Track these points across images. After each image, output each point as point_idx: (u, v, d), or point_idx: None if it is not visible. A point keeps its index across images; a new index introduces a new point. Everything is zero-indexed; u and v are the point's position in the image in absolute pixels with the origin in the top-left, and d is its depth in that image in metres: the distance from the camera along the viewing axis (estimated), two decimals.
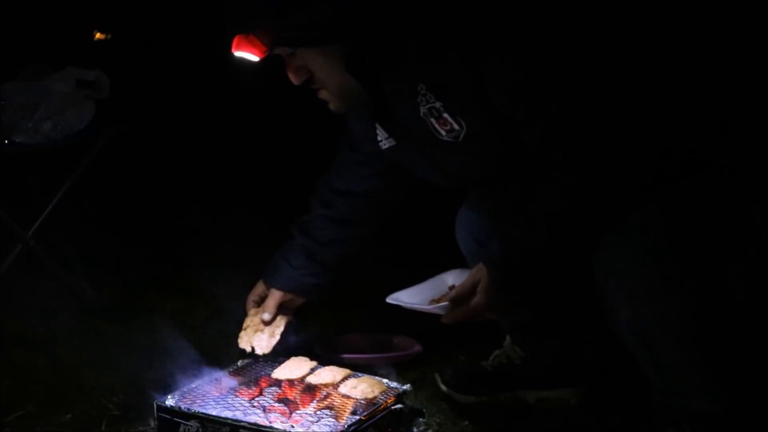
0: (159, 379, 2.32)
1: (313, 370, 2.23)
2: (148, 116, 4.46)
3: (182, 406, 2.05)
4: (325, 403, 2.08)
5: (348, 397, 2.10)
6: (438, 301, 1.95)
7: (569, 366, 2.28)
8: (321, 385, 2.16)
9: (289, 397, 2.12)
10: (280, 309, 2.29)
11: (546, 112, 1.79)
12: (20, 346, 2.66)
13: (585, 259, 1.83)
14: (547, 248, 1.82)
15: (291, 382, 2.19)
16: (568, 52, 1.82)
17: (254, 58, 1.89)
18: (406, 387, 2.16)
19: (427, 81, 1.87)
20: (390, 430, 2.08)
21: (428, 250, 3.29)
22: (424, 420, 2.18)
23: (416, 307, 1.96)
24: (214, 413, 2.02)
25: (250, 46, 1.87)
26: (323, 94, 1.97)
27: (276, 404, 2.08)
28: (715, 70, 1.96)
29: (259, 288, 2.34)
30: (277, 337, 2.25)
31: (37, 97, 2.92)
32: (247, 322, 2.28)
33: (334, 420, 2.00)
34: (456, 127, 1.89)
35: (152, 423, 2.09)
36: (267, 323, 2.27)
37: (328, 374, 2.19)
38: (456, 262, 2.29)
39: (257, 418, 2.01)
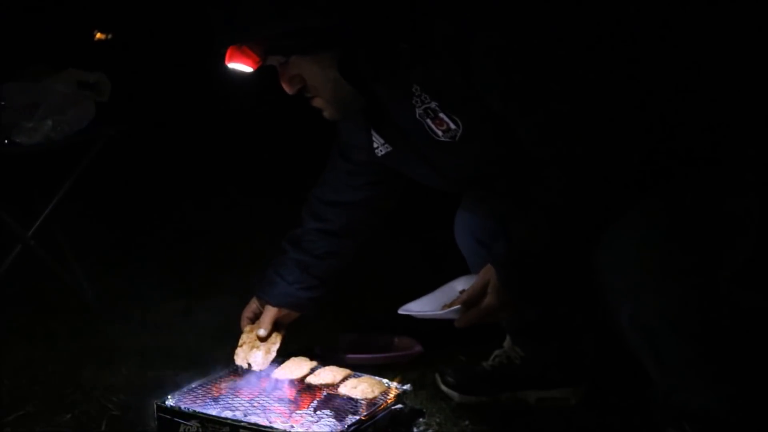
0: (159, 378, 2.33)
1: (313, 370, 2.23)
2: (147, 117, 4.47)
3: (182, 406, 2.05)
4: (325, 403, 2.08)
5: (348, 397, 2.10)
6: (449, 306, 1.94)
7: (569, 366, 2.28)
8: (321, 385, 2.16)
9: (289, 397, 2.12)
10: (276, 325, 2.27)
11: (539, 108, 1.79)
12: (20, 345, 2.66)
13: (588, 254, 1.83)
14: (551, 245, 1.82)
15: (291, 382, 2.19)
16: (559, 48, 1.81)
17: (248, 69, 1.87)
18: (406, 387, 2.17)
19: (421, 82, 1.86)
20: (390, 430, 2.09)
21: (428, 250, 3.31)
22: (424, 420, 2.18)
23: (429, 314, 1.95)
24: (214, 413, 2.02)
25: (243, 57, 1.85)
26: (317, 102, 1.95)
27: (276, 404, 2.08)
28: (706, 65, 1.96)
29: (254, 304, 2.31)
30: (273, 354, 2.24)
31: (38, 98, 2.92)
32: (243, 338, 2.27)
33: (334, 420, 2.00)
34: (452, 126, 1.89)
35: (152, 423, 2.09)
36: (263, 339, 2.26)
37: (328, 374, 2.20)
38: (456, 262, 2.29)
39: (257, 418, 2.01)
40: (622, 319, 1.82)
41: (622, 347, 1.88)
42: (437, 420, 2.19)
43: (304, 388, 2.16)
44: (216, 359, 2.29)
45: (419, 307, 1.98)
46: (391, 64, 1.87)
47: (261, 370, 2.22)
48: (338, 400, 2.10)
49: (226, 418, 2.00)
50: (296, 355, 2.30)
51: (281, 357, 2.27)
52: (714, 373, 1.79)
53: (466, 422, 2.17)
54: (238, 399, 2.10)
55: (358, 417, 2.01)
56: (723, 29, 1.99)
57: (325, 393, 2.13)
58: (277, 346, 2.26)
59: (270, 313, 2.27)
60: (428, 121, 1.90)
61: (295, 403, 2.09)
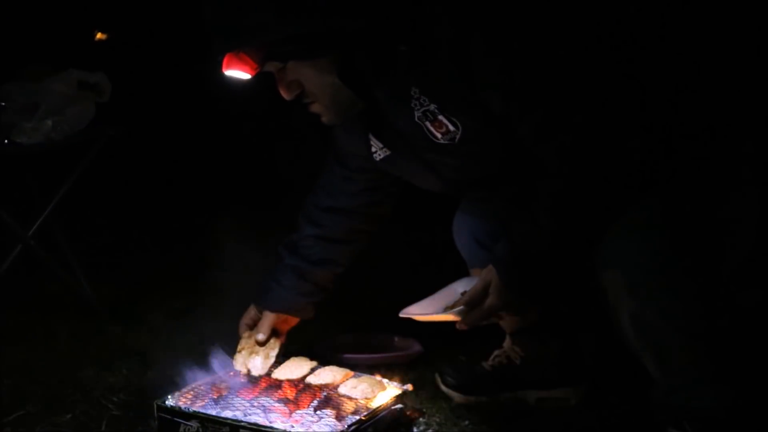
0: (159, 378, 2.33)
1: (313, 370, 2.23)
2: (148, 117, 4.47)
3: (182, 406, 2.05)
4: (325, 403, 2.08)
5: (348, 397, 2.10)
6: (451, 308, 1.94)
7: (569, 366, 2.28)
8: (321, 385, 2.16)
9: (289, 397, 2.12)
10: (274, 331, 2.27)
11: (539, 108, 1.79)
12: (20, 345, 2.66)
13: (588, 254, 1.83)
14: (553, 244, 1.82)
15: (291, 382, 2.19)
16: (558, 48, 1.81)
17: (245, 75, 1.86)
18: (406, 387, 2.17)
19: (420, 84, 1.86)
20: (390, 430, 2.09)
21: (427, 249, 3.31)
22: (424, 420, 2.18)
23: (430, 316, 1.95)
24: (214, 413, 2.03)
25: (241, 63, 1.83)
26: (316, 108, 1.94)
27: (276, 404, 2.08)
28: (704, 64, 1.96)
29: (252, 311, 2.31)
30: (272, 359, 2.24)
31: (38, 98, 2.92)
32: (242, 344, 2.27)
33: (334, 420, 2.00)
34: (451, 128, 1.88)
35: (152, 423, 2.09)
36: (262, 344, 2.26)
37: (328, 374, 2.20)
38: (455, 262, 2.29)
39: (257, 418, 2.01)
40: (623, 318, 1.82)
41: (622, 347, 1.88)
42: (437, 420, 2.19)
43: (304, 388, 2.16)
44: (216, 359, 2.28)
45: (420, 310, 1.98)
46: (389, 67, 1.86)
47: (260, 375, 2.23)
48: (338, 400, 2.10)
49: (226, 418, 2.00)
50: (296, 355, 2.30)
51: (281, 357, 2.27)
52: (714, 372, 1.79)
53: (466, 422, 2.17)
54: (238, 399, 2.10)
55: (358, 417, 2.01)
56: (721, 28, 1.99)
57: (325, 393, 2.13)
58: (276, 351, 2.26)
59: (268, 319, 2.27)
60: (427, 123, 1.90)
61: (295, 403, 2.09)
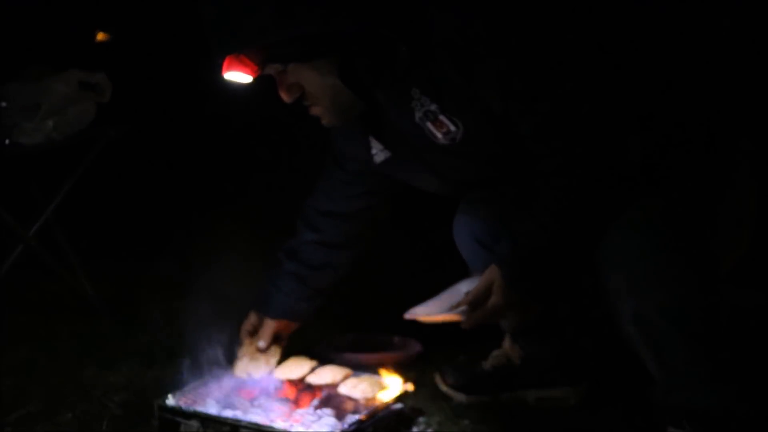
0: (160, 378, 2.33)
1: (313, 370, 2.24)
2: (149, 117, 4.47)
3: (183, 406, 2.06)
4: (325, 402, 2.09)
5: (348, 396, 2.11)
6: (455, 308, 1.94)
7: (569, 365, 2.29)
8: (321, 384, 2.16)
9: (290, 397, 2.13)
10: (275, 337, 2.28)
11: (539, 107, 1.79)
12: (21, 345, 2.67)
13: (589, 253, 1.83)
14: (555, 243, 1.83)
15: (291, 382, 2.19)
16: (558, 48, 1.81)
17: (246, 78, 1.85)
18: (406, 387, 2.17)
19: (421, 85, 1.86)
20: (390, 430, 2.09)
21: (427, 250, 3.30)
22: (424, 420, 2.18)
23: (435, 317, 1.95)
24: (214, 412, 2.03)
25: (241, 66, 1.83)
26: (316, 110, 1.93)
27: (276, 403, 2.08)
28: (703, 63, 1.96)
29: (252, 318, 2.30)
30: (273, 366, 2.25)
31: (39, 98, 2.92)
32: (243, 351, 2.27)
33: (334, 419, 2.00)
34: (452, 128, 1.88)
35: (153, 422, 2.10)
36: (263, 351, 2.26)
37: (328, 374, 2.20)
38: (457, 262, 2.29)
39: (258, 417, 2.01)
40: (624, 317, 1.82)
41: (622, 346, 1.89)
42: (437, 420, 2.19)
43: (304, 387, 2.17)
44: (217, 358, 2.29)
45: (425, 311, 1.98)
46: (390, 68, 1.86)
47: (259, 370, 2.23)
48: (338, 400, 2.10)
49: (227, 418, 2.01)
50: (296, 355, 2.30)
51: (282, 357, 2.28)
52: (714, 371, 1.80)
53: (466, 422, 2.18)
54: (238, 398, 2.11)
55: (358, 416, 2.01)
56: (720, 28, 1.99)
57: (325, 392, 2.13)
58: (277, 358, 2.27)
59: (269, 325, 2.27)
60: (428, 124, 1.90)
61: (296, 403, 2.09)
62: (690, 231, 1.80)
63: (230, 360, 2.27)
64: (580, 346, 2.31)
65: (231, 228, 3.71)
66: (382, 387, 2.14)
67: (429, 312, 1.97)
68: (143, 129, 3.74)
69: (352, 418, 2.00)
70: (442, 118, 1.88)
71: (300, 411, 2.05)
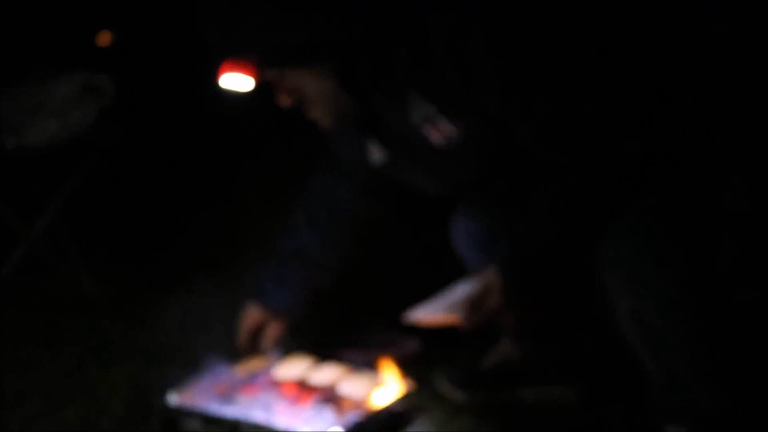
0: (162, 376, 2.34)
1: (313, 368, 2.24)
2: (151, 117, 4.48)
3: (184, 404, 2.06)
4: (325, 401, 2.09)
5: (348, 395, 2.12)
6: (454, 309, 1.95)
7: (569, 364, 2.29)
8: (321, 383, 2.17)
9: (290, 396, 2.14)
10: (274, 335, 2.28)
11: (538, 108, 1.80)
12: (24, 343, 2.67)
13: (589, 253, 1.84)
14: (554, 244, 1.83)
15: (291, 380, 2.20)
16: (557, 48, 1.82)
17: (245, 82, 1.85)
18: (406, 386, 2.17)
19: (419, 86, 1.86)
20: (390, 429, 2.10)
21: (426, 251, 3.30)
22: (424, 419, 2.18)
23: (434, 319, 1.96)
24: (215, 411, 2.04)
25: (239, 71, 1.83)
26: (314, 114, 1.94)
27: (276, 402, 2.09)
28: (703, 63, 1.97)
29: (250, 315, 2.29)
30: (274, 364, 2.26)
31: (42, 99, 2.93)
32: (243, 349, 2.29)
33: (334, 418, 2.01)
34: (451, 130, 1.89)
35: (155, 420, 2.11)
36: (265, 352, 2.27)
37: (328, 372, 2.21)
38: (455, 262, 2.30)
39: (258, 415, 2.02)
40: (622, 316, 1.83)
41: (621, 346, 1.89)
42: (437, 418, 2.19)
43: (304, 386, 2.18)
44: (218, 357, 2.30)
45: (423, 313, 1.99)
46: (388, 70, 1.87)
47: (261, 370, 2.24)
48: (338, 399, 2.11)
49: (228, 416, 2.02)
50: (296, 353, 2.31)
51: (281, 355, 2.29)
52: (713, 371, 1.80)
53: (466, 421, 2.18)
54: (239, 397, 2.12)
55: (358, 415, 2.02)
56: (719, 27, 2.00)
57: (324, 391, 2.14)
58: (277, 356, 2.29)
59: (268, 323, 2.27)
60: (426, 125, 1.91)
61: (295, 402, 2.10)
62: (689, 231, 1.81)
63: (231, 358, 2.28)
64: (579, 345, 2.32)
65: (231, 228, 3.73)
66: (381, 385, 2.15)
67: (427, 314, 1.98)
68: (145, 130, 3.76)
69: (351, 417, 2.01)
70: (440, 119, 1.89)
71: (300, 409, 2.06)
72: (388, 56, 1.85)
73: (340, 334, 2.70)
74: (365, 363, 2.36)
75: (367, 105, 1.93)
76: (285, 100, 1.91)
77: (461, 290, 1.98)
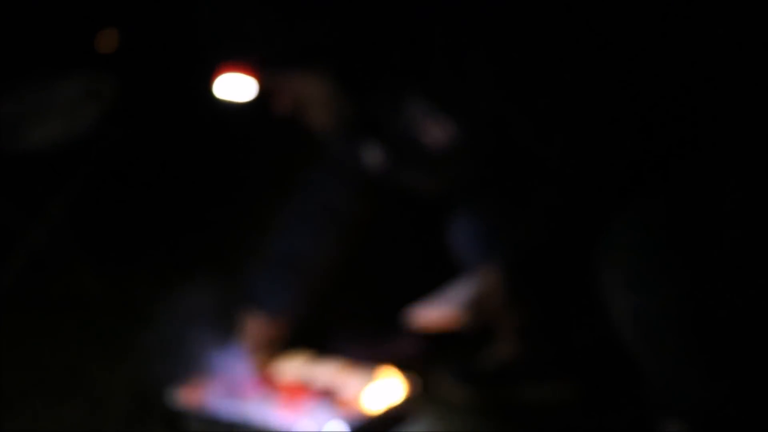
0: (163, 376, 2.34)
1: (312, 368, 2.24)
2: (153, 118, 4.48)
3: (184, 404, 2.06)
4: (325, 402, 2.09)
5: (348, 395, 2.12)
6: (452, 309, 1.95)
7: (568, 364, 2.29)
8: (321, 383, 2.17)
9: (289, 396, 2.14)
10: (271, 336, 2.28)
11: (537, 108, 1.80)
12: (25, 343, 2.68)
13: (587, 252, 1.84)
14: (552, 243, 1.84)
15: (291, 381, 2.20)
16: (555, 49, 1.82)
17: (244, 85, 1.85)
18: (407, 385, 2.17)
19: (417, 88, 1.87)
20: (390, 428, 2.10)
21: (424, 249, 3.30)
22: (424, 418, 2.18)
23: (432, 319, 1.96)
24: (215, 411, 2.04)
25: (237, 74, 1.83)
26: (313, 116, 1.94)
27: (276, 403, 2.09)
28: (702, 62, 1.97)
29: (259, 327, 2.28)
30: (274, 364, 2.27)
31: (45, 100, 2.94)
32: (242, 350, 2.29)
33: (334, 418, 2.01)
34: (449, 131, 1.89)
35: (155, 421, 2.11)
36: (270, 357, 2.27)
37: (328, 372, 2.21)
38: (453, 264, 2.30)
39: (258, 415, 2.02)
40: (622, 314, 1.83)
41: (619, 344, 1.89)
42: (436, 417, 2.19)
43: (304, 386, 2.18)
44: (218, 357, 2.30)
45: (422, 314, 1.99)
46: (386, 72, 1.87)
47: (261, 370, 2.24)
48: (338, 398, 2.11)
49: (228, 416, 2.02)
50: (296, 352, 2.31)
51: (281, 354, 2.29)
52: (711, 369, 1.80)
53: (466, 420, 2.18)
54: (239, 397, 2.12)
55: (358, 415, 2.02)
56: (719, 26, 2.00)
57: (325, 391, 2.14)
58: (276, 357, 2.29)
59: (276, 329, 2.27)
60: (425, 127, 1.91)
61: (296, 402, 2.10)
62: (690, 229, 1.80)
63: (231, 358, 2.28)
64: (579, 344, 2.32)
65: (232, 227, 3.74)
66: (381, 385, 2.15)
67: (426, 315, 1.98)
68: (148, 130, 3.76)
69: (352, 417, 2.01)
70: (438, 121, 1.89)
71: (300, 410, 2.06)
72: (386, 58, 1.85)
73: (340, 334, 2.70)
74: (365, 363, 2.37)
75: (364, 107, 1.93)
76: (283, 106, 1.91)
77: (460, 290, 1.98)
